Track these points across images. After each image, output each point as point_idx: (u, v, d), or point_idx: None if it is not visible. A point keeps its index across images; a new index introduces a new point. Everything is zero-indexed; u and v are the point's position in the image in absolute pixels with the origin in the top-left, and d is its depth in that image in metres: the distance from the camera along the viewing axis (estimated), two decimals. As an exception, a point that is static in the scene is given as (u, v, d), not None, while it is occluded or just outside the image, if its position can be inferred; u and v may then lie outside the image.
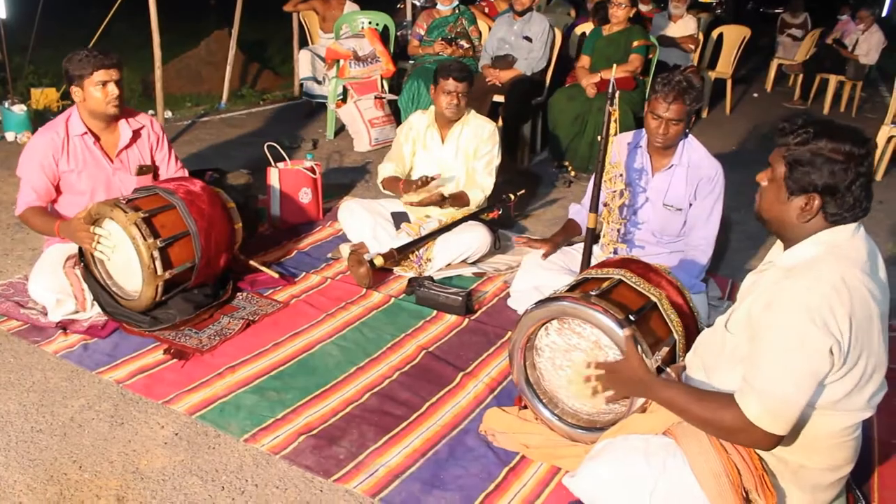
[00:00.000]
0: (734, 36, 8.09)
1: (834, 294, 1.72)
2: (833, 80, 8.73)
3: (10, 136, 5.96)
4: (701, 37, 7.55)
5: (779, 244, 2.00)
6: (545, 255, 3.55)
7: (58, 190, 3.36)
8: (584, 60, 5.86)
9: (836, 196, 1.78)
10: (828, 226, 1.83)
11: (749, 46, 8.43)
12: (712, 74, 7.99)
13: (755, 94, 9.72)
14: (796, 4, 10.37)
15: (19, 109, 6.04)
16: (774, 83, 9.95)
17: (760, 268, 2.00)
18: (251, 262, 3.75)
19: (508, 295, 3.65)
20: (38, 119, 5.94)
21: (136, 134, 3.48)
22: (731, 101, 8.32)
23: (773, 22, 10.84)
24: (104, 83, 3.21)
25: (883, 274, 1.90)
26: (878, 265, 1.89)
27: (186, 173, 3.77)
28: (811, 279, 1.75)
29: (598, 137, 3.21)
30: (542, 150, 6.28)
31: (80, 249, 3.20)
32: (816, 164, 1.78)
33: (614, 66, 3.26)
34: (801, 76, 9.31)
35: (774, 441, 1.83)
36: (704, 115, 8.01)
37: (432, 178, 3.90)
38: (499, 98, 5.89)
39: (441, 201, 3.96)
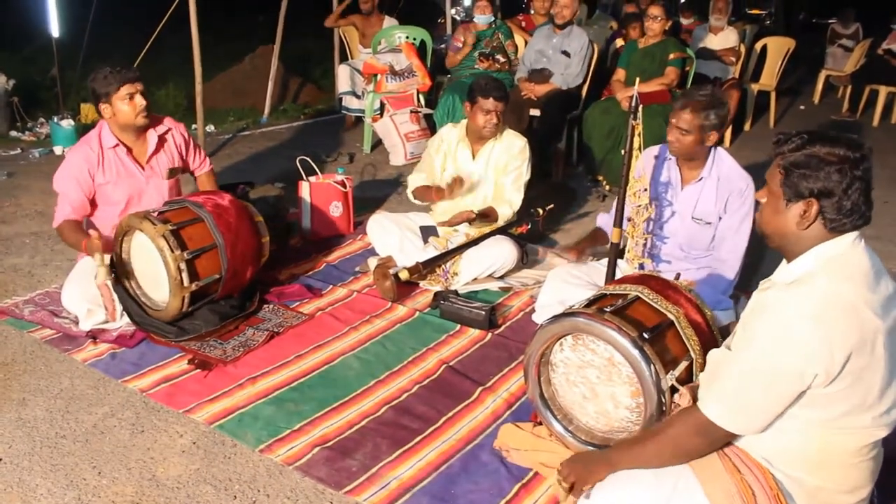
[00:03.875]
0: (778, 47, 7.94)
1: (825, 309, 1.69)
2: (883, 91, 8.49)
3: (58, 149, 6.17)
4: (743, 49, 7.42)
5: (785, 262, 1.96)
6: (578, 260, 3.52)
7: (93, 203, 3.46)
8: (620, 74, 5.82)
9: (833, 200, 1.74)
10: (827, 234, 1.79)
11: (797, 58, 8.26)
12: (755, 87, 7.85)
13: (802, 107, 9.52)
14: (847, 15, 10.14)
15: (67, 124, 6.25)
16: (822, 95, 9.73)
17: (762, 286, 1.95)
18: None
19: (534, 310, 3.63)
20: (86, 133, 6.12)
21: (162, 139, 3.57)
22: (775, 113, 8.16)
23: (823, 33, 10.61)
24: (131, 96, 3.31)
25: (891, 286, 1.84)
26: (884, 278, 1.84)
27: (208, 161, 3.90)
28: (804, 291, 1.73)
29: (622, 151, 3.17)
30: (577, 163, 6.24)
31: (112, 261, 3.28)
32: (811, 167, 1.75)
33: (637, 80, 3.24)
34: (849, 88, 9.09)
35: (729, 436, 1.87)
36: (747, 128, 7.87)
37: (462, 181, 3.90)
38: (534, 112, 5.88)
39: (471, 219, 3.96)
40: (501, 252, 3.89)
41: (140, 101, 3.34)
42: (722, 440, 1.89)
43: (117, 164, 3.44)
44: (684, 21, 8.10)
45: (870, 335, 1.72)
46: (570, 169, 6.17)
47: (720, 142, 3.37)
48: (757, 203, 1.98)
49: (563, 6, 5.79)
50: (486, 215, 4.02)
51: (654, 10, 5.57)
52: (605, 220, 3.68)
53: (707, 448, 1.92)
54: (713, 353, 2.10)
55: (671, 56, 5.62)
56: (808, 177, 1.75)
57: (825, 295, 1.71)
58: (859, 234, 1.82)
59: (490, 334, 3.46)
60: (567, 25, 5.89)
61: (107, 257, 3.13)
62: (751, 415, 1.81)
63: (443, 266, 3.91)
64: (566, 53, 5.89)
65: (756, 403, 1.79)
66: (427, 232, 4.12)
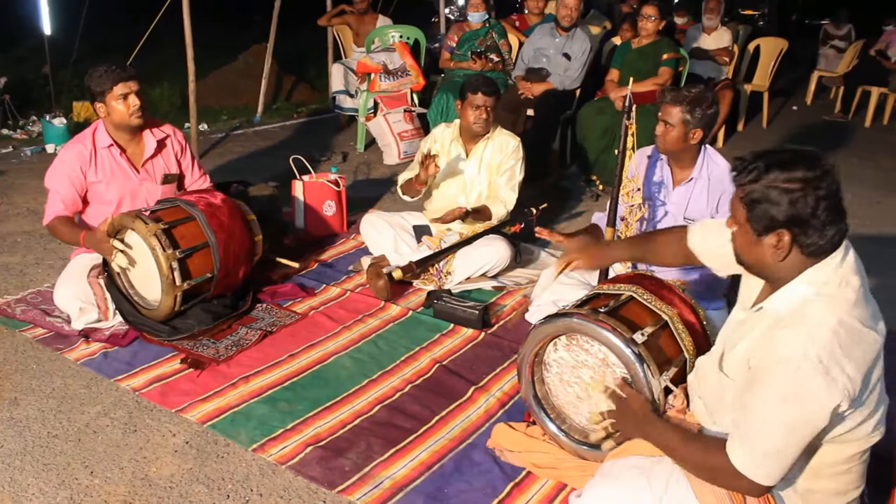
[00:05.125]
0: (771, 48, 7.97)
1: (835, 342, 1.64)
2: (875, 92, 8.54)
3: (50, 147, 6.16)
4: (736, 49, 7.44)
5: (750, 278, 1.93)
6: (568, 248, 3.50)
7: (85, 201, 3.45)
8: (614, 73, 5.82)
9: (804, 226, 1.68)
10: (807, 260, 1.74)
11: (790, 58, 8.29)
12: (748, 87, 7.87)
13: (794, 108, 9.55)
14: (840, 16, 10.19)
15: (59, 122, 6.23)
16: (815, 96, 9.77)
17: (751, 306, 1.90)
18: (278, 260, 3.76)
19: (527, 309, 3.63)
20: (78, 131, 6.10)
21: (161, 144, 3.56)
22: (767, 114, 8.18)
23: (816, 34, 10.66)
24: (125, 95, 3.29)
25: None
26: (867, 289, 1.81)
27: (207, 179, 3.85)
28: (808, 328, 1.67)
29: (616, 151, 3.18)
30: (571, 163, 6.24)
31: (105, 259, 3.28)
32: (773, 199, 1.68)
33: (630, 79, 3.25)
34: (842, 88, 9.13)
35: (763, 490, 1.77)
36: (740, 128, 7.89)
37: (435, 155, 3.87)
38: (528, 111, 5.87)
39: (464, 216, 3.97)
40: (495, 251, 3.89)
41: (134, 100, 3.31)
42: (751, 491, 1.80)
43: (111, 164, 3.43)
44: (678, 21, 8.11)
45: (874, 352, 1.71)
46: (564, 169, 6.17)
47: (713, 142, 3.38)
48: None
49: (571, 8, 5.76)
50: (479, 212, 4.02)
51: (648, 10, 5.58)
52: (600, 217, 3.68)
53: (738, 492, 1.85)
54: (702, 362, 2.09)
55: (665, 56, 5.62)
56: (771, 209, 1.69)
57: (829, 328, 1.65)
58: (845, 249, 1.75)
59: (483, 333, 3.46)
60: (571, 28, 5.88)
61: (118, 244, 3.12)
62: (783, 463, 1.73)
63: (436, 265, 3.91)
64: (567, 56, 5.88)
65: (787, 454, 1.72)
66: (420, 231, 4.12)
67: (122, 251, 3.12)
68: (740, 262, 1.88)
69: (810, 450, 1.81)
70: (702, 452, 1.86)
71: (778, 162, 1.70)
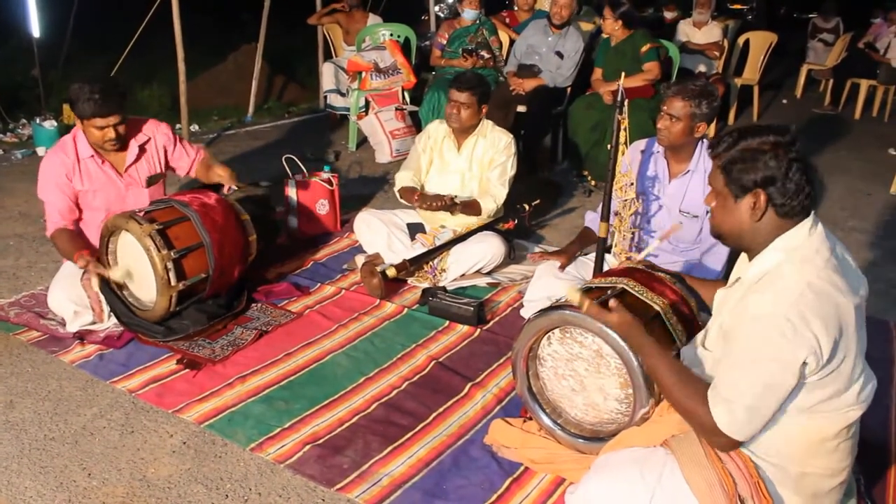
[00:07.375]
0: (761, 42, 8.00)
1: (802, 301, 1.72)
2: (864, 84, 8.59)
3: (40, 150, 6.11)
4: (726, 43, 7.47)
5: (744, 256, 1.99)
6: (562, 267, 3.54)
7: (78, 206, 3.42)
8: (598, 72, 5.83)
9: (777, 185, 1.80)
10: (781, 222, 1.84)
11: (779, 52, 8.33)
12: (739, 81, 7.91)
13: (784, 101, 9.59)
14: (828, 8, 10.24)
15: (50, 125, 6.21)
16: (804, 89, 9.81)
17: (730, 283, 2.00)
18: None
19: (522, 305, 3.64)
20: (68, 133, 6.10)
21: (142, 149, 3.51)
22: (758, 107, 8.22)
23: (804, 27, 10.71)
24: (102, 128, 3.22)
25: (854, 264, 1.90)
26: (846, 255, 1.90)
27: (202, 149, 3.80)
28: (777, 289, 1.76)
29: (608, 146, 3.19)
30: (563, 159, 6.26)
31: (98, 261, 3.26)
32: (748, 160, 1.81)
33: (622, 74, 3.25)
34: (831, 81, 9.18)
35: (735, 445, 1.87)
36: (731, 121, 7.93)
37: (451, 198, 3.96)
38: (521, 108, 5.89)
39: (452, 207, 3.98)
40: (489, 248, 3.90)
41: (110, 133, 3.23)
42: (725, 446, 1.90)
43: (96, 172, 3.38)
44: (667, 15, 8.15)
45: (845, 317, 1.77)
46: (556, 165, 6.19)
47: (705, 135, 3.39)
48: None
49: (563, 6, 5.77)
50: (469, 206, 4.04)
51: (605, 12, 5.60)
52: (592, 219, 3.69)
53: (714, 446, 1.93)
54: (685, 351, 2.11)
55: (642, 49, 5.59)
56: (748, 169, 1.81)
57: (798, 289, 1.74)
58: (814, 220, 1.86)
59: (479, 330, 3.47)
60: (564, 26, 5.88)
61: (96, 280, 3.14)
62: (758, 420, 1.82)
63: (430, 263, 3.92)
64: (559, 55, 5.89)
65: (763, 411, 1.80)
66: (414, 229, 4.13)
67: (107, 276, 3.14)
68: (718, 236, 1.98)
69: (796, 428, 1.86)
70: (685, 394, 1.92)
71: (749, 130, 1.87)
